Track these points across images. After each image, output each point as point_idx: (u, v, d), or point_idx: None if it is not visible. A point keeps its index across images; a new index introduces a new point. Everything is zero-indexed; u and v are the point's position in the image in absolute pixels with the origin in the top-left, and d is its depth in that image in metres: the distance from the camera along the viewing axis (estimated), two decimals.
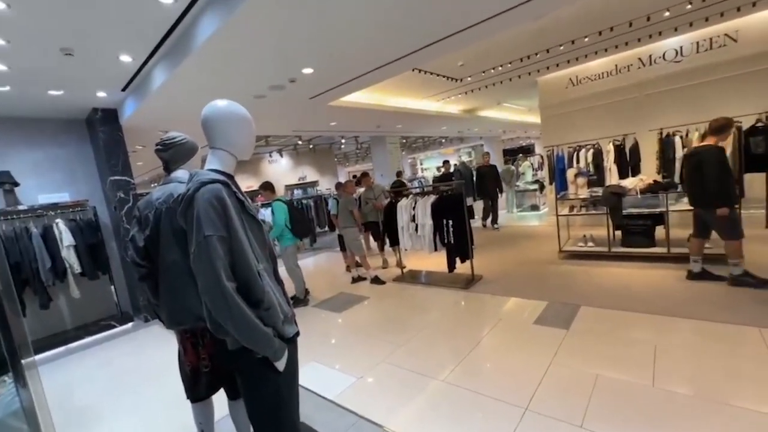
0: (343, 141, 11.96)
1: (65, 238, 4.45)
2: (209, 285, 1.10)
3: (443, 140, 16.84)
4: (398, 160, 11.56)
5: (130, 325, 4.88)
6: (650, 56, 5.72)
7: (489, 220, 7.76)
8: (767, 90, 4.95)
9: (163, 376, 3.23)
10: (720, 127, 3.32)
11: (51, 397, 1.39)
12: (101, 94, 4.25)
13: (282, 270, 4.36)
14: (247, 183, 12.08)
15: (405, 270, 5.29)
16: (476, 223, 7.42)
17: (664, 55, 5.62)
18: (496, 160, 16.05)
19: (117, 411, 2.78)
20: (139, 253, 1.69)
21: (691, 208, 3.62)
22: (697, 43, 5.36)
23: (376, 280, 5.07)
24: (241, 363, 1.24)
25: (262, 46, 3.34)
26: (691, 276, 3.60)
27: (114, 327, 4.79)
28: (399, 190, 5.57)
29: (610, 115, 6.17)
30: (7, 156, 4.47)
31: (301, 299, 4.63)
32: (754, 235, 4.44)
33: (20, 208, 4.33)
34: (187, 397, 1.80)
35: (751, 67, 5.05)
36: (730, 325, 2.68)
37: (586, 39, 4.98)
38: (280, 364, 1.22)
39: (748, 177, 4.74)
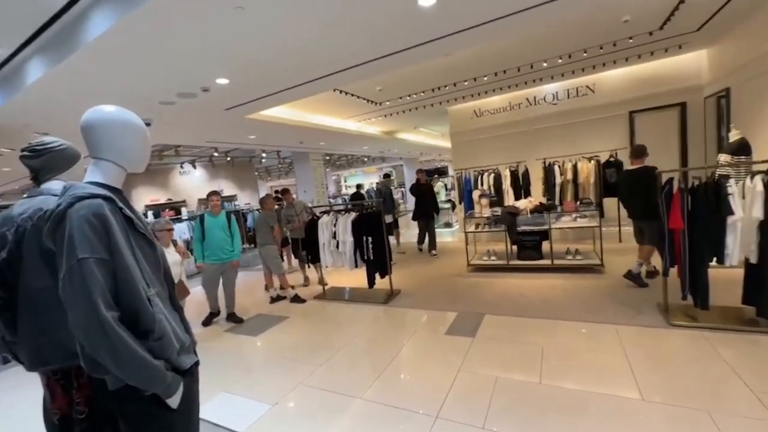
0: (264, 155, 11.46)
1: None
2: (82, 316, 0.95)
3: (366, 159, 17.31)
4: (322, 176, 11.50)
5: None
6: (535, 97, 6.82)
7: (425, 243, 6.88)
8: (616, 132, 6.28)
9: (29, 426, 2.62)
10: (641, 151, 3.98)
11: None
12: None
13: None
14: (153, 196, 10.77)
15: (326, 287, 5.22)
16: (401, 244, 7.66)
17: (545, 97, 6.74)
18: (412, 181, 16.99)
19: None
20: None
21: (627, 219, 4.32)
22: (568, 90, 6.57)
23: (296, 299, 4.91)
24: (125, 404, 1.09)
25: (170, 51, 3.10)
26: (631, 276, 4.01)
27: None
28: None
29: (506, 145, 7.11)
30: None
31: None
32: (610, 248, 5.46)
33: None
34: None
35: (604, 113, 6.37)
36: (595, 324, 3.23)
37: (485, 78, 5.72)
38: (173, 401, 1.10)
39: (605, 201, 5.84)
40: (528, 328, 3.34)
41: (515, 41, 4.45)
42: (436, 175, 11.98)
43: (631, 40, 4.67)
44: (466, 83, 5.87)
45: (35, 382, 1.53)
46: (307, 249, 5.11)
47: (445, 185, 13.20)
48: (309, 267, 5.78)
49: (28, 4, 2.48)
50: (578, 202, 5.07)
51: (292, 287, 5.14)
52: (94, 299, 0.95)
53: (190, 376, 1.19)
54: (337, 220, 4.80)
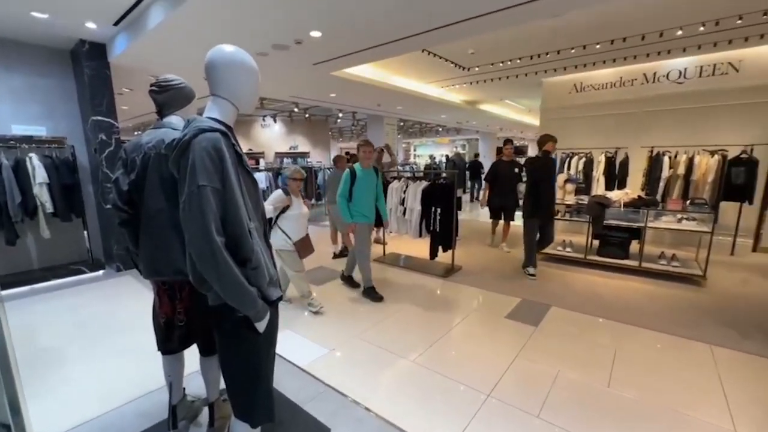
0: (340, 115, 11.68)
1: (38, 174, 4.23)
2: (197, 237, 1.05)
3: (440, 129, 16.73)
4: (394, 142, 11.44)
5: (101, 272, 4.76)
6: (655, 74, 5.78)
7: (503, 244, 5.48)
8: (758, 124, 5.09)
9: (132, 327, 3.19)
10: None
11: (12, 334, 1.35)
12: (90, 25, 3.97)
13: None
14: None
15: (386, 253, 5.33)
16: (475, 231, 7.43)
17: (668, 74, 5.68)
18: (489, 156, 16.09)
19: (82, 356, 2.73)
20: (122, 197, 1.62)
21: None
22: (701, 67, 5.43)
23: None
24: (221, 320, 1.22)
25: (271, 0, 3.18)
26: None
27: (84, 272, 4.66)
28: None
29: (606, 127, 6.25)
30: None
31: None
32: (718, 260, 4.67)
33: None
34: (158, 349, 1.78)
35: (748, 98, 5.16)
36: (685, 340, 2.84)
37: (598, 46, 4.97)
38: (261, 325, 1.21)
39: (723, 205, 4.94)
40: (600, 329, 3.06)
41: (645, 1, 3.74)
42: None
43: None
44: (572, 51, 5.16)
45: (145, 290, 1.82)
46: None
47: (519, 164, 12.28)
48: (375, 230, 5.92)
49: None
50: (687, 202, 4.34)
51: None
52: (208, 223, 1.04)
53: (274, 307, 1.29)
54: (407, 187, 4.77)
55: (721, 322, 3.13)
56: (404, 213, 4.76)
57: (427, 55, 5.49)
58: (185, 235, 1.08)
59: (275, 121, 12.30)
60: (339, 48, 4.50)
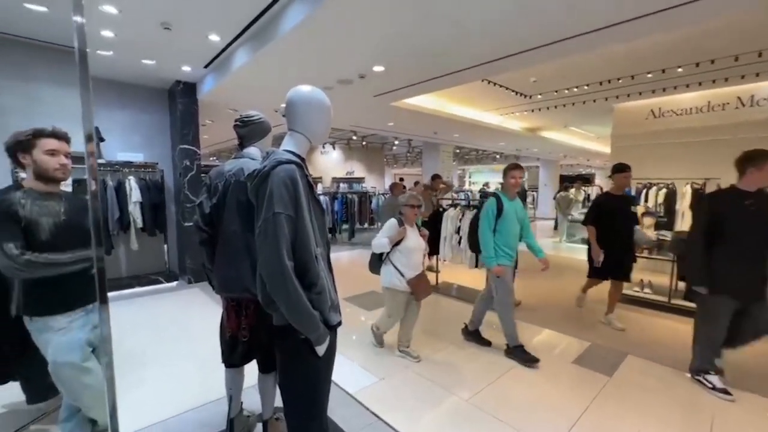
0: (396, 142, 12.01)
1: (134, 194, 4.87)
2: (270, 260, 1.12)
3: (498, 156, 16.36)
4: (450, 169, 11.40)
5: (174, 283, 5.24)
6: (752, 96, 5.14)
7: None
8: None
9: (199, 336, 3.42)
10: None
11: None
12: (186, 68, 4.60)
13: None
14: None
15: (440, 281, 5.19)
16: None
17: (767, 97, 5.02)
18: (552, 185, 15.29)
19: (155, 361, 2.97)
20: (205, 219, 1.78)
21: None
22: None
23: None
24: (284, 341, 1.26)
25: (341, 40, 3.43)
26: None
27: (161, 282, 5.17)
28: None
29: (691, 155, 5.62)
30: (98, 114, 4.97)
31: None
32: None
33: (101, 161, 4.81)
34: (222, 361, 1.88)
35: None
36: None
37: (680, 69, 4.58)
38: (321, 349, 1.22)
39: None
40: (691, 387, 2.62)
41: (734, 20, 3.39)
42: (578, 181, 10.47)
43: None
44: (649, 75, 4.82)
45: (211, 303, 1.96)
46: (428, 240, 5.13)
47: (588, 195, 11.45)
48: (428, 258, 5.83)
49: (246, 1, 3.06)
50: None
51: None
52: (280, 248, 1.11)
53: (334, 332, 1.30)
54: (463, 215, 4.66)
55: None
56: (459, 242, 4.64)
57: (487, 84, 5.48)
58: (259, 257, 1.15)
59: (334, 148, 12.99)
60: (400, 80, 4.68)
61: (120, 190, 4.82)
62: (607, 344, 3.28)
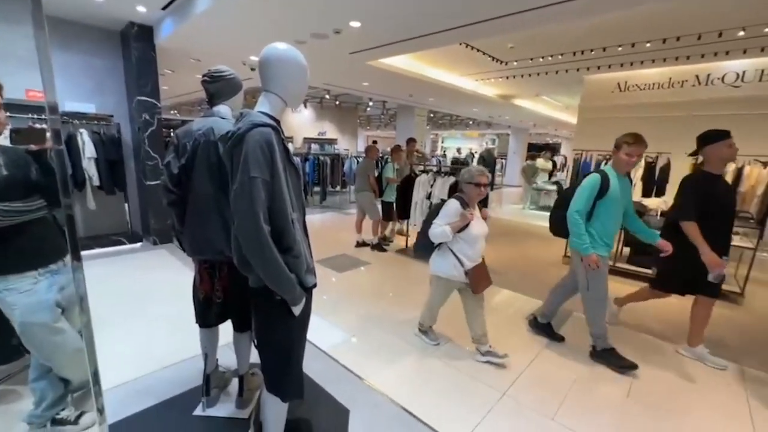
0: (370, 103, 11.67)
1: (87, 149, 4.52)
2: (246, 224, 1.12)
3: (470, 122, 16.39)
4: (423, 133, 11.35)
5: (138, 245, 5.06)
6: (708, 75, 5.42)
7: None
8: None
9: (167, 298, 3.40)
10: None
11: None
12: (141, 8, 4.14)
13: None
14: None
15: (409, 244, 5.37)
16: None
17: (723, 77, 5.32)
18: (521, 153, 15.69)
19: (123, 322, 2.95)
20: (172, 180, 1.72)
21: None
22: (762, 71, 5.05)
23: (378, 247, 5.17)
24: (260, 301, 1.30)
25: None
26: None
27: (123, 243, 4.98)
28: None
29: (650, 130, 5.80)
30: None
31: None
32: (759, 278, 4.43)
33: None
34: (197, 322, 1.91)
35: None
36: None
37: (648, 44, 4.71)
38: (297, 309, 1.28)
39: None
40: (626, 341, 2.99)
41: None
42: (544, 151, 10.81)
43: None
44: (620, 48, 4.92)
45: (178, 264, 1.94)
46: (399, 204, 5.23)
47: (554, 163, 11.90)
48: (398, 222, 5.96)
49: None
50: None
51: (383, 237, 5.38)
52: (257, 212, 1.11)
53: (309, 293, 1.36)
54: (435, 181, 4.76)
55: (756, 342, 2.99)
56: (430, 207, 4.76)
57: (465, 48, 5.38)
58: (235, 221, 1.15)
59: (306, 106, 12.43)
60: (377, 38, 4.49)
61: (71, 144, 4.44)
62: None
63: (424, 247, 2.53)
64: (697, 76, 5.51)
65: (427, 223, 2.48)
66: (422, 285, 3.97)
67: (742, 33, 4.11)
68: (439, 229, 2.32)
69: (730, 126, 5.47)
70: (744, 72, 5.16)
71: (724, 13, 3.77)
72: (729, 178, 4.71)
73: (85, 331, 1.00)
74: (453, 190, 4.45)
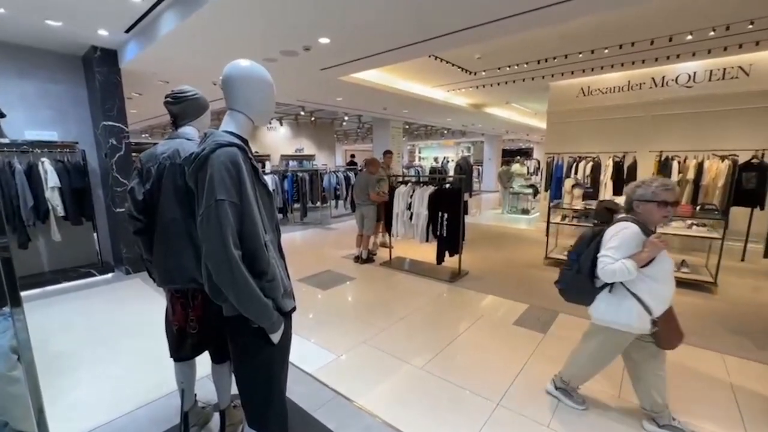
0: (345, 118, 11.74)
1: (50, 178, 4.30)
2: (215, 250, 1.06)
3: (445, 131, 16.72)
4: (400, 145, 11.46)
5: (110, 275, 4.81)
6: (663, 77, 5.75)
7: None
8: None
9: (142, 331, 3.21)
10: None
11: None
12: (102, 32, 4.03)
13: None
14: None
15: (393, 257, 5.33)
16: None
17: (677, 78, 5.65)
18: (496, 160, 16.12)
19: (95, 360, 2.76)
20: (137, 207, 1.64)
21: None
22: (711, 71, 5.40)
23: (369, 260, 5.15)
24: (236, 331, 1.23)
25: (280, 7, 3.21)
26: None
27: (93, 275, 4.72)
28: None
29: (614, 131, 6.22)
30: None
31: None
32: (728, 266, 4.62)
33: (4, 141, 4.14)
34: (171, 356, 1.80)
35: (758, 102, 5.12)
36: (695, 348, 2.80)
37: (606, 50, 4.96)
38: (276, 337, 1.21)
39: (734, 210, 4.88)
40: None
41: (656, 6, 3.72)
42: (518, 156, 11.11)
43: None
44: (580, 55, 5.16)
45: (154, 294, 1.84)
46: (382, 216, 5.22)
47: (528, 168, 12.25)
48: (381, 234, 5.93)
49: None
50: (697, 207, 4.30)
51: (370, 252, 5.34)
52: (226, 236, 1.05)
53: (289, 318, 1.30)
54: (414, 192, 4.77)
55: (734, 330, 3.10)
56: (411, 218, 4.76)
57: (434, 60, 5.50)
58: (203, 247, 1.09)
59: (281, 124, 12.38)
60: (347, 54, 4.52)
61: (32, 175, 4.21)
62: (542, 305, 3.64)
63: (581, 291, 1.94)
64: (653, 79, 5.83)
65: (583, 256, 1.88)
66: (409, 297, 3.94)
67: (690, 37, 4.39)
68: (618, 265, 1.73)
69: (687, 124, 5.85)
70: (695, 73, 5.51)
71: (672, 19, 4.03)
72: (691, 173, 4.96)
73: (29, 380, 0.90)
74: (433, 199, 4.48)
